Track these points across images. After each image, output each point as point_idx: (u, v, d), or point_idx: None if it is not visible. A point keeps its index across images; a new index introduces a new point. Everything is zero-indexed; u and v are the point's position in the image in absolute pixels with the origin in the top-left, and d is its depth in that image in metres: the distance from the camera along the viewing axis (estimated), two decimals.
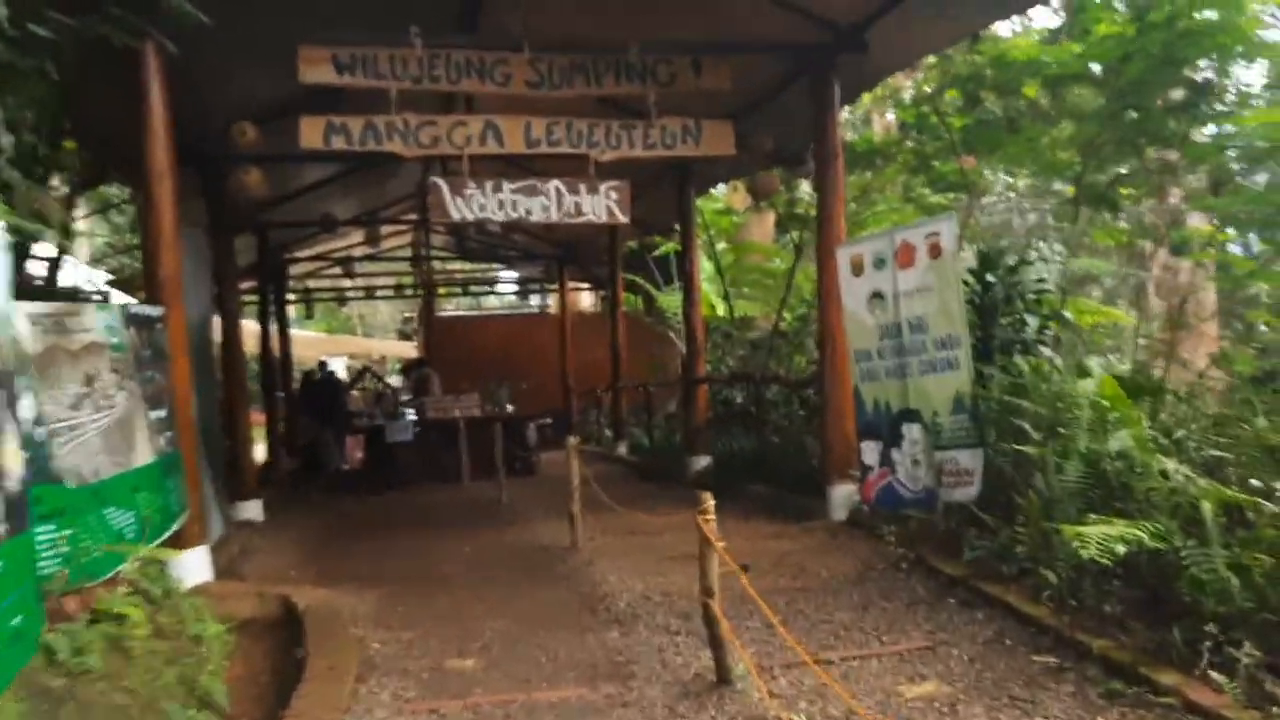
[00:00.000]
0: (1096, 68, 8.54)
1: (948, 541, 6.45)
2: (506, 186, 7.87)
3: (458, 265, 25.76)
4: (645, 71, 8.04)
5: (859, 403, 7.77)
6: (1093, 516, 4.59)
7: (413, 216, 16.81)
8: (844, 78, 8.40)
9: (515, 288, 29.55)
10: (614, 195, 8.02)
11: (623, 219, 8.10)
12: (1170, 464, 4.66)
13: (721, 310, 16.61)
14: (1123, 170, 8.07)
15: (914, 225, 7.82)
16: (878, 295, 7.50)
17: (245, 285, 17.74)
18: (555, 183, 7.95)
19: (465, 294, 28.06)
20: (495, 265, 26.04)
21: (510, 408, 15.53)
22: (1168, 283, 14.21)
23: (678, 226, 15.46)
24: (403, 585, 7.19)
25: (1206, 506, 4.35)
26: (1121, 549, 4.17)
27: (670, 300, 18.38)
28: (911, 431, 7.29)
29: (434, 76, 7.71)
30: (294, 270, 21.22)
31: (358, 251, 20.14)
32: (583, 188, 7.98)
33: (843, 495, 8.18)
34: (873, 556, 6.85)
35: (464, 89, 7.87)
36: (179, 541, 6.86)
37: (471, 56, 7.76)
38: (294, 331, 24.99)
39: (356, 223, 14.93)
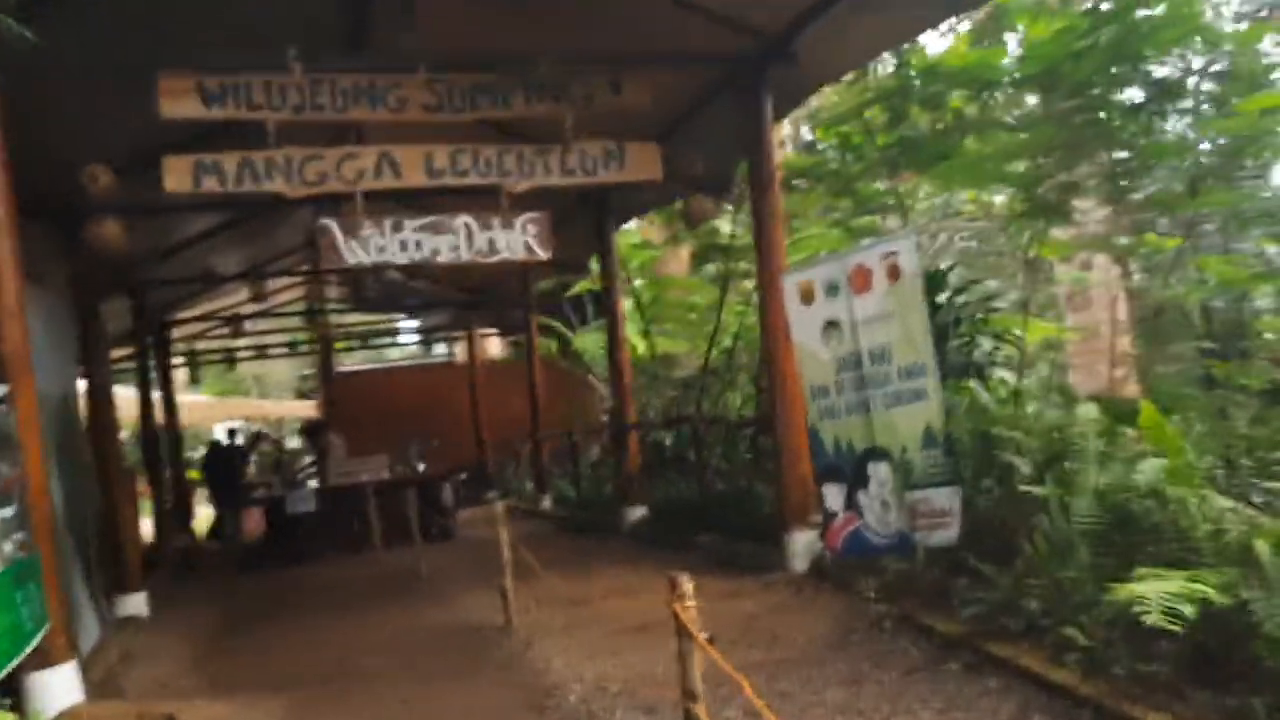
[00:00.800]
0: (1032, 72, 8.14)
1: (934, 594, 5.80)
2: (408, 225, 7.06)
3: (356, 316, 24.65)
4: (558, 90, 7.33)
5: (817, 443, 7.11)
6: (1140, 571, 3.94)
7: (305, 267, 15.81)
8: (775, 92, 7.81)
9: (419, 337, 28.47)
10: (531, 229, 7.27)
11: (542, 255, 7.35)
12: (1223, 501, 4.06)
13: (642, 349, 15.93)
14: (1073, 179, 7.66)
15: (868, 246, 7.23)
16: (832, 325, 6.87)
17: (122, 352, 16.53)
18: (464, 218, 7.17)
19: (365, 347, 26.85)
20: (397, 315, 25.00)
21: (422, 466, 14.55)
22: (1079, 295, 14.07)
23: (595, 264, 14.84)
24: (313, 689, 6.24)
25: (1262, 546, 3.75)
26: (1190, 610, 3.53)
27: (587, 342, 17.66)
28: (879, 471, 6.65)
29: (318, 105, 6.87)
30: (179, 332, 19.95)
31: (248, 309, 18.98)
32: (496, 223, 7.22)
33: (803, 544, 7.50)
34: (849, 615, 6.16)
35: (353, 118, 7.06)
36: (40, 660, 5.84)
37: (360, 80, 6.95)
38: (182, 398, 23.57)
39: (242, 277, 13.84)
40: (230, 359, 21.53)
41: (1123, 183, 7.83)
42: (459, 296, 19.42)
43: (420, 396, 20.73)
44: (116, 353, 17.33)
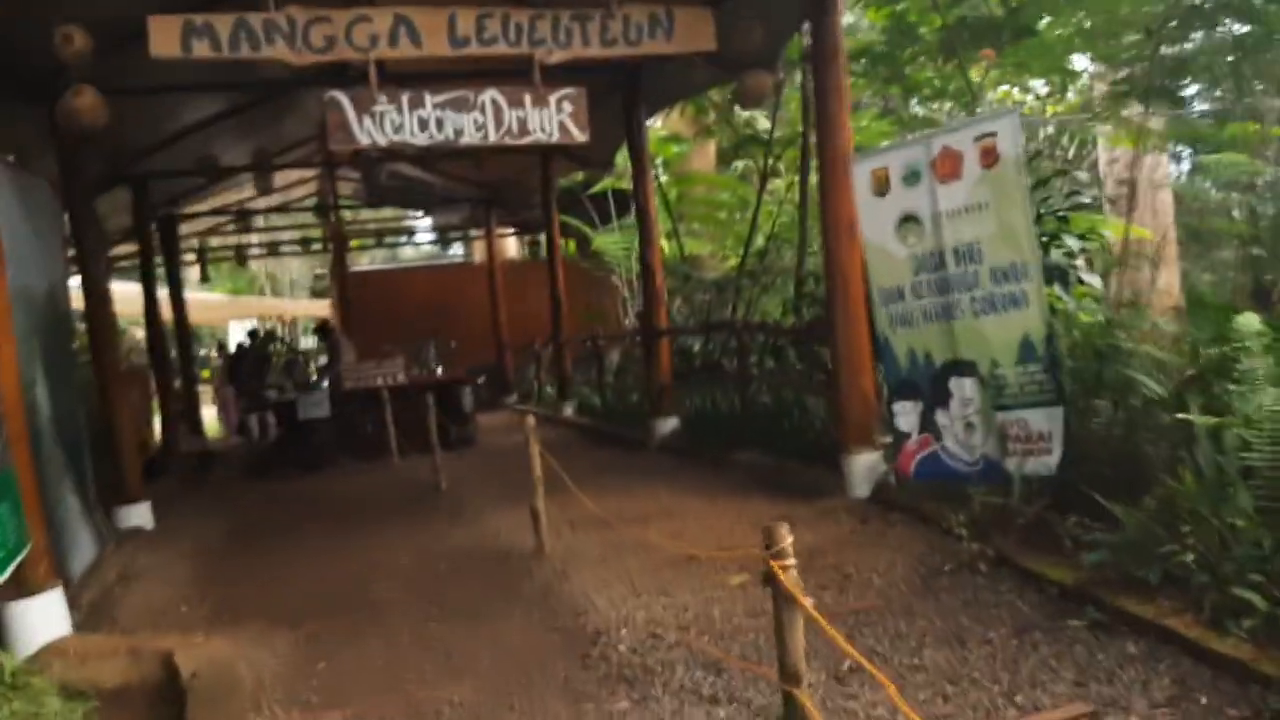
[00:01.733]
0: None
1: (1036, 532, 4.97)
2: (429, 100, 6.08)
3: (370, 214, 23.66)
4: None
5: (887, 354, 6.23)
6: None
7: (316, 159, 14.79)
8: None
9: (434, 236, 27.48)
10: (567, 107, 6.29)
11: (580, 136, 6.39)
12: None
13: (669, 250, 14.98)
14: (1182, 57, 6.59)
15: (958, 126, 6.23)
16: (910, 219, 5.93)
17: (129, 249, 15.63)
18: (491, 93, 6.19)
19: (379, 245, 25.89)
20: (410, 212, 23.96)
21: (440, 369, 13.76)
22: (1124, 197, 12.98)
23: (620, 157, 13.77)
24: (324, 622, 5.50)
25: None
26: None
27: (609, 242, 16.68)
28: (963, 387, 5.78)
29: None
30: (187, 228, 19.02)
31: (257, 203, 18.02)
32: (527, 99, 6.23)
33: (864, 467, 6.67)
34: (932, 553, 5.34)
35: None
36: (20, 588, 5.12)
37: None
38: (191, 295, 22.76)
39: (247, 169, 12.84)
40: (241, 256, 20.62)
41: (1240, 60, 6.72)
42: (475, 192, 18.37)
43: (437, 297, 19.88)
44: (122, 249, 16.51)
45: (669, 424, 10.11)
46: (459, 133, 6.13)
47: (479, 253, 25.53)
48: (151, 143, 11.81)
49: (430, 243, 30.87)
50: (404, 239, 28.05)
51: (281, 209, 19.10)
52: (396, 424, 11.81)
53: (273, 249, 20.11)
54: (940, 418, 5.91)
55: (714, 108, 14.34)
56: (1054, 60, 8.05)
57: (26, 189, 7.03)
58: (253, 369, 15.92)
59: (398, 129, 6.02)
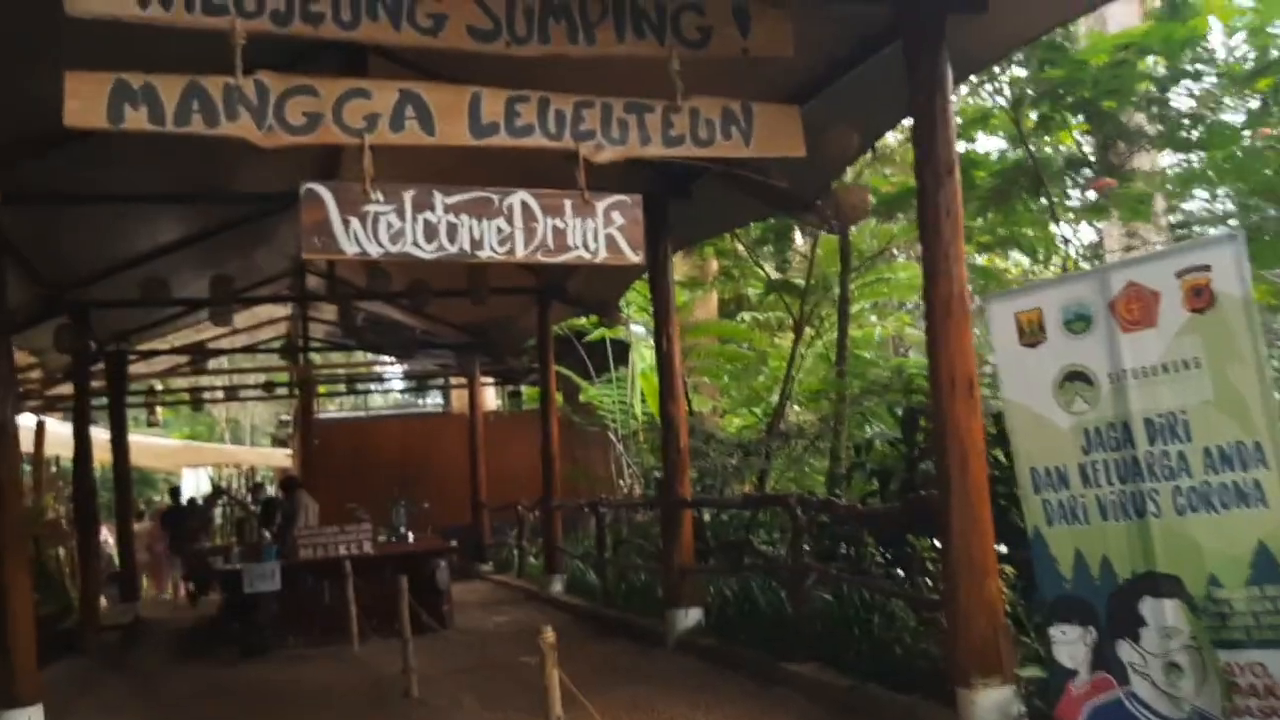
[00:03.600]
0: None
1: None
2: (440, 200, 4.55)
3: (340, 357, 22.10)
4: (663, 21, 4.92)
5: (1041, 557, 4.58)
6: None
7: (286, 295, 13.32)
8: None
9: (407, 383, 25.85)
10: (618, 218, 4.79)
11: (633, 256, 4.86)
12: None
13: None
14: None
15: (1153, 257, 4.80)
16: (1078, 377, 4.40)
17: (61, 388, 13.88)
18: (521, 196, 4.68)
19: (350, 392, 24.21)
20: (384, 357, 22.41)
21: (410, 536, 11.92)
22: None
23: (626, 300, 12.41)
24: None
25: None
26: None
27: (603, 394, 15.16)
28: (1162, 612, 4.12)
29: (311, 13, 4.41)
30: (142, 368, 17.31)
31: (221, 343, 16.42)
32: (568, 206, 4.73)
33: (992, 706, 4.92)
34: None
35: (363, 38, 4.58)
36: None
37: None
38: (140, 439, 20.84)
39: (204, 303, 11.24)
40: (197, 400, 18.85)
41: None
42: (458, 336, 16.86)
43: (410, 449, 18.14)
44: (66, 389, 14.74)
45: (691, 616, 8.32)
46: (477, 245, 4.59)
47: (456, 401, 23.94)
48: (94, 267, 10.29)
49: (402, 391, 29.28)
50: (376, 385, 26.43)
51: (246, 350, 17.49)
52: (359, 601, 9.91)
53: (232, 393, 18.36)
54: (1126, 652, 4.24)
55: (730, 251, 13.16)
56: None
57: None
58: (195, 528, 13.96)
59: (396, 237, 4.47)
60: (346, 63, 5.07)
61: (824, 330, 10.98)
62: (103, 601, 14.15)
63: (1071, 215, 8.08)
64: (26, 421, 17.41)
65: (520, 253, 4.68)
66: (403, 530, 11.99)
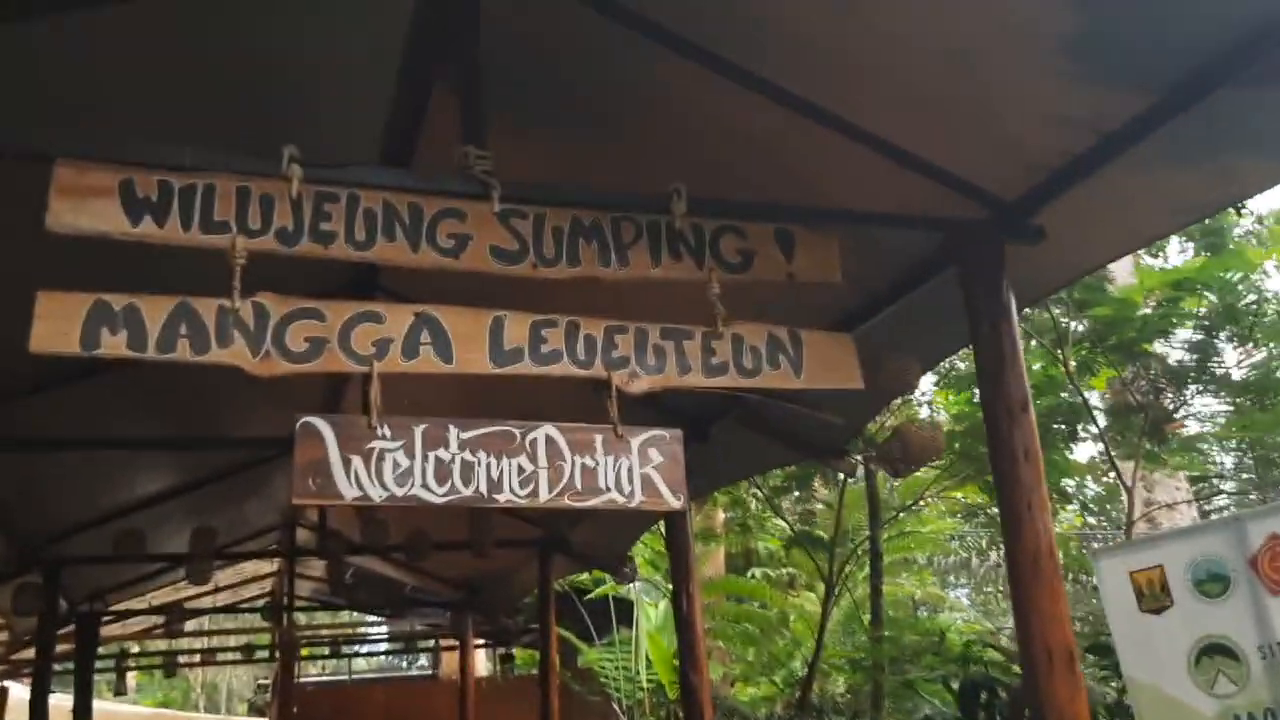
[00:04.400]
0: None
1: None
2: (454, 436, 3.96)
3: (324, 617, 20.85)
4: (701, 243, 4.51)
5: None
6: None
7: (273, 550, 12.49)
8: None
9: (395, 644, 24.31)
10: (656, 456, 4.19)
11: (673, 502, 4.22)
12: None
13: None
14: None
15: None
16: (1219, 651, 3.67)
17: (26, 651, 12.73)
18: (546, 430, 4.09)
19: (335, 656, 22.73)
20: (368, 616, 21.15)
21: None
22: None
23: (627, 560, 11.60)
24: None
25: None
26: None
27: (608, 658, 14.03)
28: None
29: (321, 232, 3.98)
30: (115, 629, 16.15)
31: (201, 602, 15.39)
32: (598, 442, 4.13)
33: None
34: None
35: (377, 258, 4.13)
36: None
37: (395, 200, 4.11)
38: (108, 707, 19.27)
39: (181, 560, 10.42)
40: (172, 664, 17.51)
41: None
42: (449, 593, 15.83)
43: (396, 718, 16.68)
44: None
45: None
46: (495, 487, 3.95)
47: (445, 664, 22.45)
48: (71, 520, 9.55)
49: (388, 653, 27.66)
50: (360, 647, 24.91)
51: (228, 610, 16.41)
52: None
53: (210, 657, 17.04)
54: None
55: (742, 500, 12.48)
56: None
57: None
58: None
59: (404, 478, 3.83)
60: (354, 282, 4.62)
61: (850, 587, 10.16)
62: None
63: (1134, 463, 7.49)
64: None
65: (544, 496, 4.03)
66: None
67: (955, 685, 7.24)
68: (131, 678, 31.57)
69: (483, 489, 3.95)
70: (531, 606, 16.72)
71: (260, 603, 16.67)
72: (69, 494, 9.19)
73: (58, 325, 3.60)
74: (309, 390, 6.31)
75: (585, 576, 14.32)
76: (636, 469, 4.16)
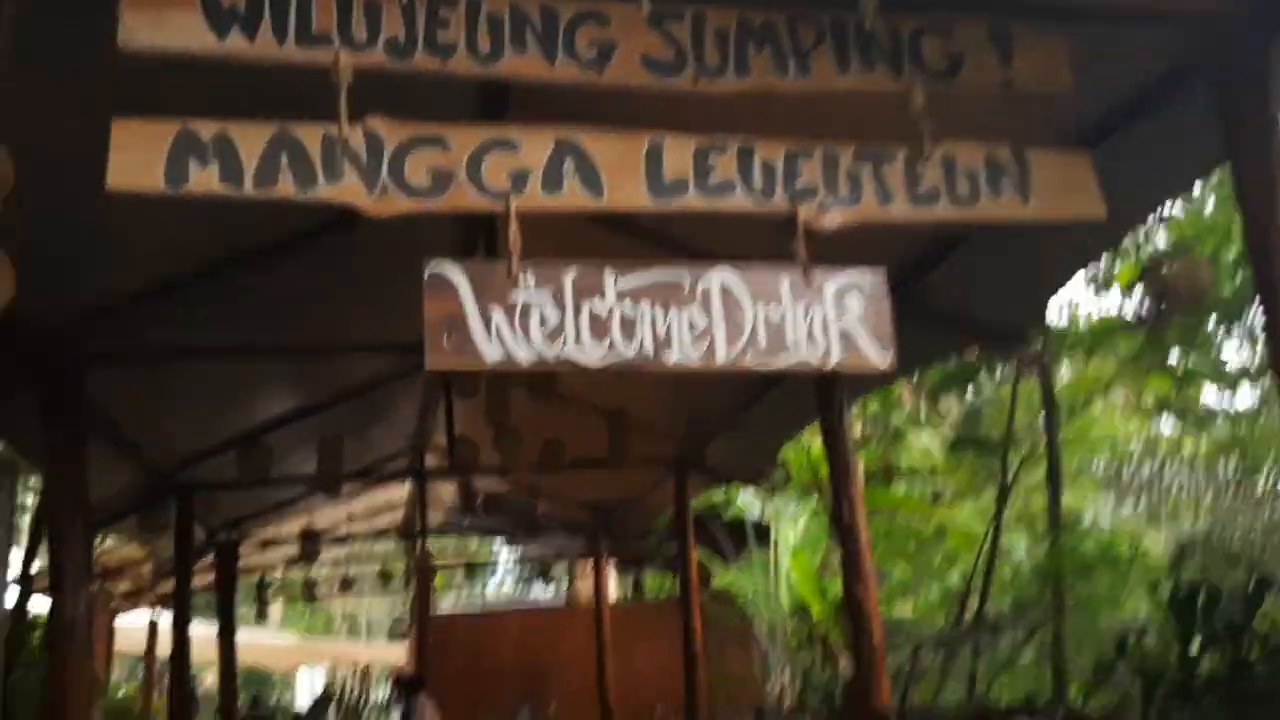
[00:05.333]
0: None
1: None
2: (611, 283, 3.22)
3: (457, 547, 20.81)
4: (899, 47, 3.62)
5: None
6: None
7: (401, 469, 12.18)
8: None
9: (520, 573, 24.29)
10: (855, 304, 3.38)
11: (878, 360, 3.41)
12: None
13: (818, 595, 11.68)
14: None
15: None
16: None
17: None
18: (722, 274, 3.32)
19: (469, 582, 22.78)
20: (496, 544, 20.96)
21: None
22: None
23: (780, 462, 10.82)
24: None
25: None
26: None
27: (746, 581, 13.38)
28: None
29: (439, 44, 3.24)
30: (254, 561, 16.26)
31: (334, 527, 15.28)
32: (784, 287, 3.35)
33: None
34: None
35: (506, 72, 3.37)
36: None
37: (524, 4, 3.34)
38: (253, 636, 19.69)
39: (305, 478, 10.12)
40: (310, 592, 17.62)
41: None
42: (581, 518, 15.33)
43: (529, 647, 16.39)
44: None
45: None
46: (663, 346, 3.20)
47: (576, 592, 22.27)
48: (197, 446, 9.28)
49: (518, 580, 27.67)
50: (490, 576, 24.93)
51: (358, 537, 16.36)
52: None
53: (346, 584, 17.01)
54: None
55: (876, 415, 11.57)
56: None
57: None
58: None
59: (553, 336, 3.12)
60: (483, 105, 3.88)
61: (1017, 495, 9.21)
62: None
63: None
64: (138, 620, 16.43)
65: (722, 356, 3.27)
66: None
67: (1162, 593, 6.30)
68: (276, 609, 32.62)
69: (647, 348, 3.20)
70: (663, 530, 16.20)
71: (393, 531, 16.53)
72: (195, 419, 8.89)
73: (138, 157, 2.98)
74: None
75: (719, 498, 13.61)
76: (832, 320, 3.35)
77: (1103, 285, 10.23)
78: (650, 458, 10.75)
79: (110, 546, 14.31)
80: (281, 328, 7.30)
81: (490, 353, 3.08)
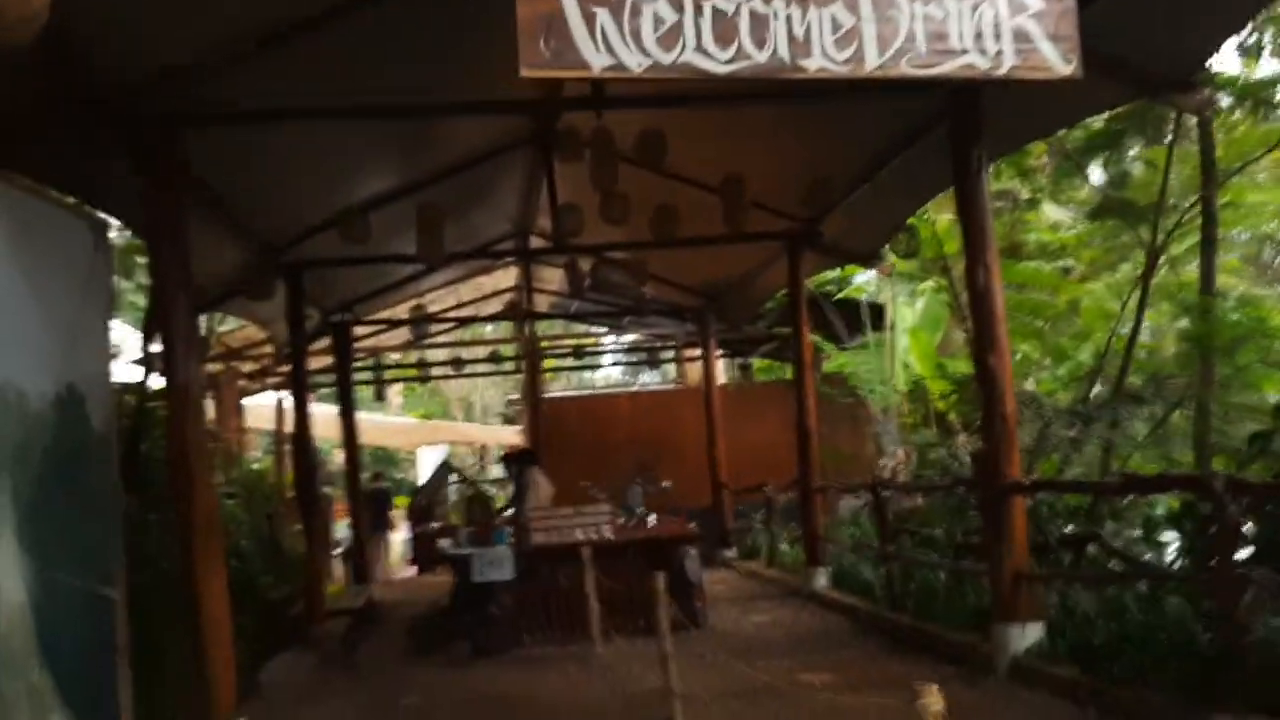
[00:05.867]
0: None
1: None
2: None
3: (564, 333, 20.94)
4: None
5: None
6: None
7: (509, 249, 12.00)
8: None
9: (629, 359, 24.42)
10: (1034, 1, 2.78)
11: (1062, 66, 2.86)
12: None
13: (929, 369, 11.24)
14: None
15: None
16: None
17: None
18: None
19: (577, 366, 23.04)
20: (602, 331, 20.90)
21: (652, 519, 10.24)
22: None
23: (900, 248, 10.22)
24: None
25: None
26: None
27: (861, 361, 13.05)
28: None
29: None
30: (369, 343, 16.63)
31: (435, 308, 15.39)
32: None
33: None
34: None
35: None
36: None
37: None
38: (376, 418, 20.46)
39: (409, 260, 9.98)
40: (423, 373, 18.01)
41: None
42: (690, 300, 15.04)
43: (640, 426, 16.55)
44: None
45: (1028, 635, 6.17)
46: (800, 48, 2.69)
47: (683, 376, 22.40)
48: (302, 223, 9.16)
49: (623, 364, 27.96)
50: (600, 360, 25.13)
51: (471, 320, 16.51)
52: (600, 596, 8.31)
53: (458, 364, 17.27)
54: None
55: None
56: None
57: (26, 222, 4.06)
58: (423, 506, 12.88)
59: (670, 39, 2.64)
60: None
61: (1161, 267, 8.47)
62: (340, 582, 13.43)
63: None
64: (266, 400, 17.13)
65: (872, 61, 2.74)
66: (640, 512, 10.32)
67: None
68: (396, 395, 33.95)
69: (782, 52, 2.69)
70: (772, 312, 15.86)
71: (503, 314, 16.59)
72: (300, 196, 8.71)
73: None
74: None
75: (832, 278, 13.12)
76: (1005, 18, 2.77)
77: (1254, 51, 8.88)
78: (765, 232, 10.27)
79: (232, 328, 14.74)
80: (375, 89, 6.92)
81: (596, 59, 2.63)
